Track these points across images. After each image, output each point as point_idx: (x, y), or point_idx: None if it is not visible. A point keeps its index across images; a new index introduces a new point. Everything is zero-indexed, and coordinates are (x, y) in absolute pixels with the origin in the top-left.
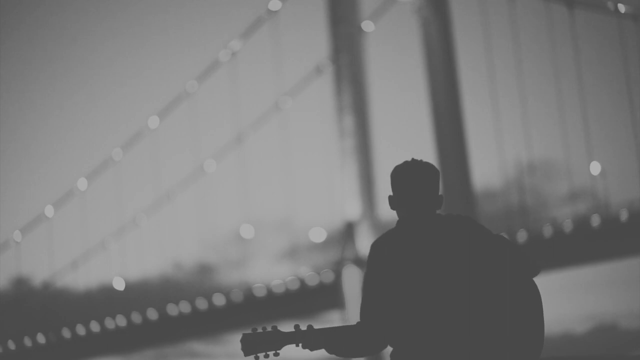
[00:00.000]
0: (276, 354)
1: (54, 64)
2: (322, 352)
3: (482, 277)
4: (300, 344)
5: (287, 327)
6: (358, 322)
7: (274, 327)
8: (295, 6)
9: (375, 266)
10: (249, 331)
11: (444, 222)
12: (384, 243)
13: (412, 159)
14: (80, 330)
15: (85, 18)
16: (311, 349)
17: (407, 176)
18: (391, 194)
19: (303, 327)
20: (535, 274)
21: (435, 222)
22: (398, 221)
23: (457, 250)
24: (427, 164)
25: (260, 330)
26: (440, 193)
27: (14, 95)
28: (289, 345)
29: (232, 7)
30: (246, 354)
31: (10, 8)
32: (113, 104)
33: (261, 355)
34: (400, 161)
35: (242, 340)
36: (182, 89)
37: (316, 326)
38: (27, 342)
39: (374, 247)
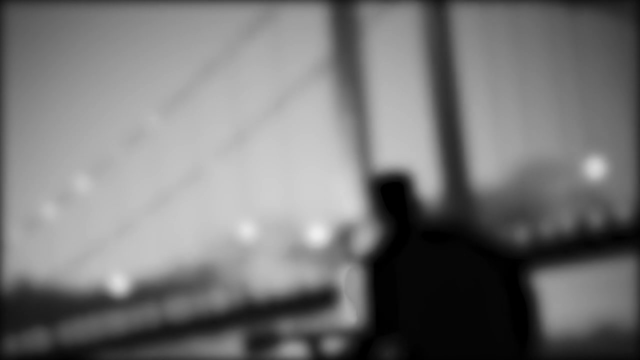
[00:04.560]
0: (276, 353)
1: (54, 64)
2: None
3: (474, 284)
4: (300, 344)
5: (287, 327)
6: (358, 339)
7: (274, 329)
8: (295, 6)
9: (367, 279)
10: (250, 331)
11: (434, 230)
12: (374, 255)
13: (386, 170)
14: (80, 330)
15: (87, 17)
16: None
17: (383, 187)
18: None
19: (303, 326)
20: (523, 276)
21: (424, 230)
22: (386, 232)
23: (449, 259)
24: (399, 171)
25: (260, 331)
26: (419, 197)
27: (15, 96)
28: (290, 346)
29: (232, 7)
30: (246, 356)
31: (13, 10)
32: (113, 104)
33: (261, 354)
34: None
35: (242, 342)
36: (182, 88)
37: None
38: (27, 342)
39: (364, 260)
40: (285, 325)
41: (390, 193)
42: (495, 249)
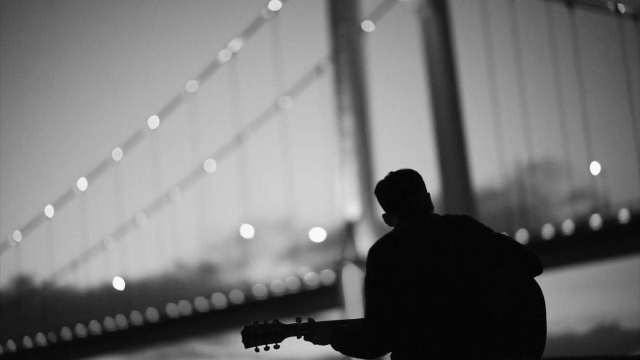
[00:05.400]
0: (277, 347)
1: (54, 64)
2: (319, 349)
3: (483, 276)
4: (302, 336)
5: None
6: (364, 322)
7: (276, 320)
8: (295, 6)
9: (377, 270)
10: (250, 324)
11: (443, 222)
12: (383, 247)
13: (390, 172)
14: (80, 330)
15: (86, 18)
16: (315, 342)
17: (388, 187)
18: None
19: (304, 320)
20: (539, 272)
21: (433, 223)
22: (395, 226)
23: (458, 250)
24: (403, 170)
25: (261, 323)
26: (427, 192)
27: (14, 95)
28: (290, 338)
29: (232, 7)
30: (246, 346)
31: (11, 8)
32: (113, 104)
33: (261, 347)
34: (400, 161)
35: (242, 333)
36: (182, 89)
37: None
38: (27, 342)
39: (373, 251)
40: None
41: (404, 189)
42: (512, 244)
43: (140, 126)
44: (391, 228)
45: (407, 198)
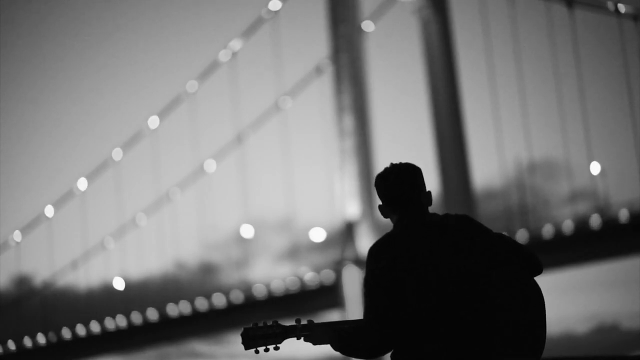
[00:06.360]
0: (276, 348)
1: (54, 64)
2: (319, 350)
3: (483, 276)
4: (302, 337)
5: (286, 324)
6: (363, 322)
7: (275, 322)
8: (295, 6)
9: (376, 271)
10: (249, 325)
11: (442, 222)
12: (382, 247)
13: (391, 163)
14: (80, 330)
15: (86, 18)
16: (314, 343)
17: (390, 182)
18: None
19: (304, 322)
20: (538, 272)
21: (432, 222)
22: (395, 224)
23: (457, 250)
24: (406, 165)
25: (261, 324)
26: (428, 190)
27: (14, 95)
28: (290, 339)
29: (232, 7)
30: (246, 348)
31: (11, 8)
32: (113, 104)
33: (261, 349)
34: (400, 161)
35: (242, 334)
36: (182, 89)
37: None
38: (27, 342)
39: (372, 251)
40: (285, 323)
41: (404, 184)
42: (511, 244)
43: (140, 126)
44: (387, 220)
45: (407, 194)
